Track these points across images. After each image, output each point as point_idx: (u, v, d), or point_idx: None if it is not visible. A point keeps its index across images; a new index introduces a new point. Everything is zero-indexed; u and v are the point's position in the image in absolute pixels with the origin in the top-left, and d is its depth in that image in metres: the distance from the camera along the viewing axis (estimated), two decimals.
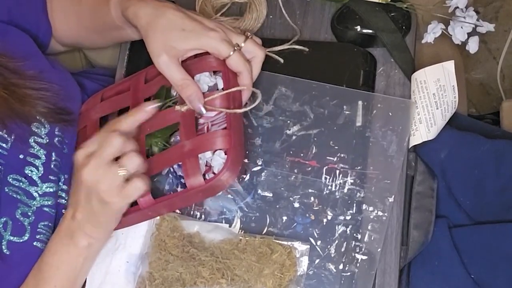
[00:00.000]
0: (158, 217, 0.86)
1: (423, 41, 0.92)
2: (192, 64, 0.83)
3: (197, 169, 0.78)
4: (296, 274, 0.81)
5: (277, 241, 0.82)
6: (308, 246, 0.82)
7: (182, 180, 0.84)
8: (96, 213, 0.77)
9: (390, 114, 0.88)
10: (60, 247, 0.81)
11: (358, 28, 0.93)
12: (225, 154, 0.80)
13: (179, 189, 0.85)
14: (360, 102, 0.88)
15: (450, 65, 0.88)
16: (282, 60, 0.92)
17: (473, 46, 0.90)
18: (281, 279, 0.80)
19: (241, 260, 0.81)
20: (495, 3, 1.31)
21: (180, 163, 0.82)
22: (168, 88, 0.85)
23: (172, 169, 0.85)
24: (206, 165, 0.82)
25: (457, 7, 0.90)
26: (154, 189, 0.83)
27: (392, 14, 0.93)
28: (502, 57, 1.29)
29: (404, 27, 0.93)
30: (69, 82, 0.94)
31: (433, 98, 0.88)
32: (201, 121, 0.83)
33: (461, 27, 0.89)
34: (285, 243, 0.82)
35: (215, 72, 0.85)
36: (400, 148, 0.86)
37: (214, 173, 0.81)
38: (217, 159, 0.80)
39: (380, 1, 0.93)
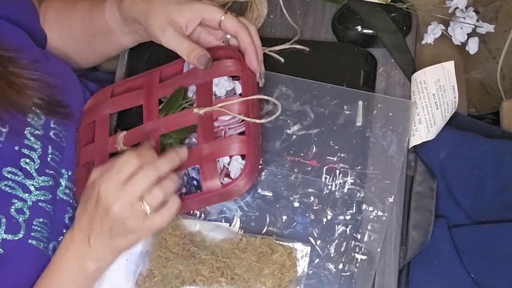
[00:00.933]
0: None
1: (423, 42, 0.92)
2: (211, 67, 0.83)
3: (215, 173, 0.79)
4: (296, 275, 0.81)
5: (278, 241, 0.82)
6: (309, 247, 0.82)
7: (195, 182, 0.84)
8: (115, 241, 0.78)
9: (391, 114, 0.88)
10: (67, 270, 0.80)
11: (359, 28, 0.93)
12: (242, 159, 0.80)
13: (183, 190, 0.85)
14: (360, 102, 0.88)
15: (450, 66, 0.88)
16: (282, 60, 0.92)
17: (473, 46, 0.90)
18: (281, 279, 0.80)
19: (241, 260, 0.81)
20: (495, 3, 1.31)
21: (196, 165, 0.82)
22: (185, 89, 0.85)
23: (186, 171, 0.85)
24: (220, 168, 0.82)
25: (457, 8, 0.90)
26: None
27: (393, 14, 0.93)
28: (502, 57, 1.29)
29: (404, 28, 0.93)
30: (67, 75, 0.93)
31: (433, 98, 0.88)
32: (215, 124, 0.83)
33: (461, 28, 0.89)
34: (286, 243, 0.82)
35: (233, 78, 0.85)
36: (400, 148, 0.86)
37: (229, 177, 0.81)
38: (235, 164, 0.81)
39: (380, 2, 0.93)
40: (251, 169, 0.79)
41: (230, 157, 0.81)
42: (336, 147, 0.87)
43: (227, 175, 0.82)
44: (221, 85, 0.84)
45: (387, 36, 0.92)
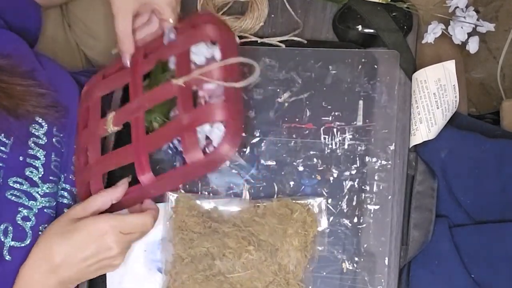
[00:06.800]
0: (173, 201, 0.85)
1: (423, 41, 0.92)
2: (189, 34, 0.82)
3: (196, 143, 0.76)
4: (319, 229, 0.82)
5: (294, 201, 0.83)
6: (323, 199, 0.83)
7: (183, 155, 0.83)
8: (87, 275, 0.80)
9: (376, 66, 0.88)
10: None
11: (360, 27, 0.93)
12: (224, 126, 0.77)
13: (177, 164, 0.85)
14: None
15: (450, 65, 0.89)
16: (283, 46, 0.92)
17: (473, 46, 0.90)
18: (306, 236, 0.81)
19: (263, 225, 0.81)
20: (495, 2, 1.31)
21: (179, 138, 0.80)
22: (164, 62, 0.83)
23: (172, 145, 0.83)
24: (206, 139, 0.79)
25: (457, 7, 0.90)
26: (154, 166, 0.81)
27: (394, 14, 0.93)
28: (502, 57, 1.29)
29: (405, 27, 0.93)
30: (63, 78, 0.93)
31: (433, 97, 0.88)
32: (200, 93, 0.80)
33: (461, 27, 0.90)
34: (302, 201, 0.82)
35: (213, 43, 0.82)
36: (391, 97, 0.87)
37: (214, 146, 0.78)
38: (216, 132, 0.77)
39: (381, 1, 0.93)
40: (232, 135, 0.75)
41: (212, 126, 0.78)
42: (329, 107, 0.87)
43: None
44: (200, 53, 0.81)
45: (387, 35, 0.92)
